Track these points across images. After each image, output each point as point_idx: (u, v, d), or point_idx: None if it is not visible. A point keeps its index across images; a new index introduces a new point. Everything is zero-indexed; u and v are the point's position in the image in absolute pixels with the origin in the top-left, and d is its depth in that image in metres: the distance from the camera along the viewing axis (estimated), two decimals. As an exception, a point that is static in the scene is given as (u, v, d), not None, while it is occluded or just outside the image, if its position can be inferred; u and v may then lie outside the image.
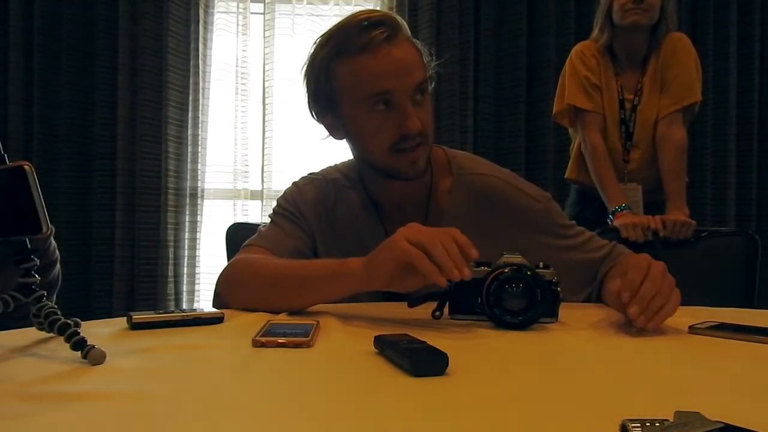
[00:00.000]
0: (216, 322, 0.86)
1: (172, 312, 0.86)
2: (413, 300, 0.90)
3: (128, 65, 2.77)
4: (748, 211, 3.04)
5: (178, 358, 0.67)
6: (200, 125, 2.87)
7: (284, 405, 0.52)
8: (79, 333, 0.64)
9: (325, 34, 1.05)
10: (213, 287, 1.06)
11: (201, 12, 2.84)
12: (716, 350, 0.75)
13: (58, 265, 1.21)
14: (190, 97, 2.83)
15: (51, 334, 0.70)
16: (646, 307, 0.80)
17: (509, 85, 2.98)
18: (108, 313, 2.69)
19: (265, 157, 2.90)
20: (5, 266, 0.69)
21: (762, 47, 3.06)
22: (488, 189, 1.13)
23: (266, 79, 2.90)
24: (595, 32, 2.00)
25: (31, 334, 0.74)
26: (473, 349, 0.73)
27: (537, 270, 0.85)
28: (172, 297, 2.82)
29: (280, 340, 0.71)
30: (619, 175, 1.95)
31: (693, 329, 0.83)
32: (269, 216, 1.18)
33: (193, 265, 2.88)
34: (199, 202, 2.89)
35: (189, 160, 2.85)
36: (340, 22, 1.03)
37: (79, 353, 0.63)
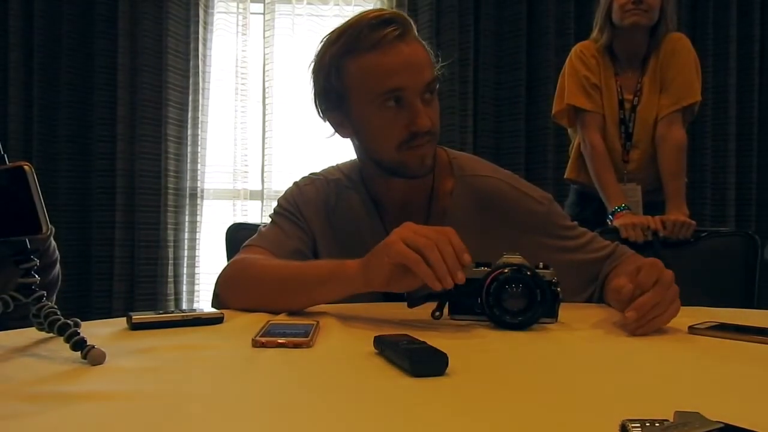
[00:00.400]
0: (216, 323, 0.86)
1: (172, 312, 0.86)
2: (413, 300, 0.90)
3: (128, 65, 2.77)
4: (747, 212, 3.04)
5: (178, 359, 0.67)
6: (200, 125, 2.87)
7: (284, 405, 0.52)
8: (78, 333, 0.64)
9: (334, 31, 1.04)
10: (213, 287, 1.06)
11: (201, 12, 2.84)
12: (716, 350, 0.74)
13: (58, 266, 1.21)
14: (190, 97, 2.83)
15: (51, 335, 0.70)
16: (644, 315, 0.79)
17: (509, 85, 2.98)
18: (108, 314, 2.69)
19: (265, 157, 2.90)
20: (5, 267, 0.69)
21: (762, 47, 3.06)
22: (490, 191, 1.13)
23: (266, 79, 2.90)
24: (595, 32, 2.00)
25: (30, 334, 0.74)
26: (473, 349, 0.73)
27: (537, 270, 0.85)
28: (172, 297, 2.82)
29: (279, 341, 0.71)
30: (619, 176, 1.95)
31: (693, 329, 0.82)
32: (269, 216, 1.18)
33: (192, 266, 2.88)
34: (198, 202, 2.89)
35: (189, 161, 2.85)
36: (349, 20, 1.03)
37: (78, 353, 0.62)
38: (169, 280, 2.80)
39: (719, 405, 0.49)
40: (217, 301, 1.03)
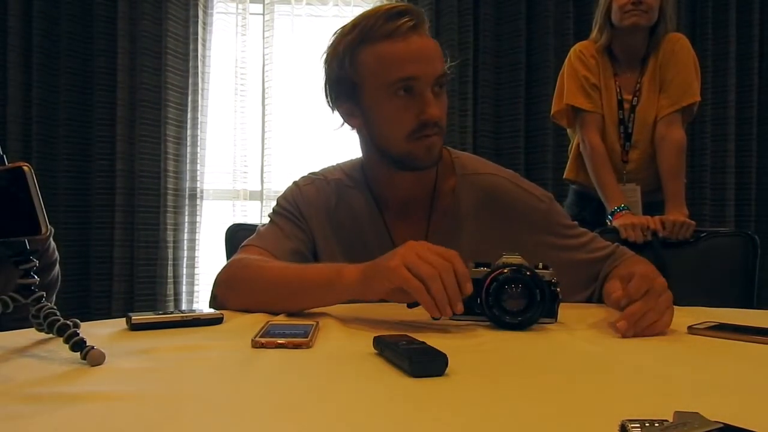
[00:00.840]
0: (215, 323, 0.86)
1: (172, 313, 0.86)
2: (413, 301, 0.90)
3: (127, 66, 2.77)
4: (747, 212, 3.04)
5: (178, 359, 0.67)
6: (199, 126, 2.87)
7: (284, 406, 0.51)
8: (78, 334, 0.64)
9: (348, 23, 1.06)
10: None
11: (200, 13, 2.84)
12: (715, 350, 0.74)
13: (58, 266, 1.20)
14: (189, 98, 2.83)
15: (50, 335, 0.70)
16: (634, 324, 0.79)
17: (509, 85, 2.98)
18: (107, 314, 2.70)
19: (265, 158, 2.90)
20: (4, 267, 0.69)
21: (761, 47, 3.06)
22: (492, 188, 1.13)
23: (265, 79, 2.90)
24: (594, 33, 2.00)
25: (30, 335, 0.74)
26: (473, 349, 0.73)
27: (536, 270, 0.86)
28: (172, 298, 2.82)
29: (279, 341, 0.71)
30: (618, 176, 1.95)
31: (692, 329, 0.83)
32: (269, 215, 1.17)
33: (192, 266, 2.88)
34: (198, 202, 2.89)
35: (188, 161, 2.85)
36: (364, 13, 1.05)
37: (78, 354, 0.62)
38: (168, 280, 2.80)
39: (719, 405, 0.49)
40: (214, 302, 1.03)
